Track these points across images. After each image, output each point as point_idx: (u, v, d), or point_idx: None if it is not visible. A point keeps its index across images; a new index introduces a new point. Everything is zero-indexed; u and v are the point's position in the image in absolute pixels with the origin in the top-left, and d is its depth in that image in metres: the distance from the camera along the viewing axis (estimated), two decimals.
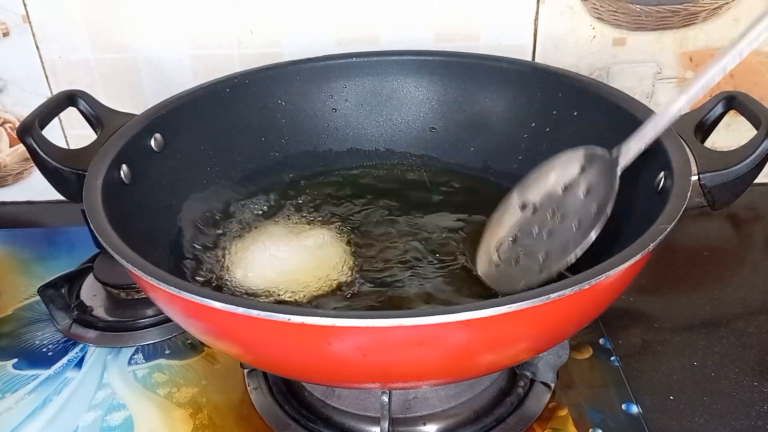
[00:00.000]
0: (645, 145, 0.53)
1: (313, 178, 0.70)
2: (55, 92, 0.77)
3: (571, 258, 0.53)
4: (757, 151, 0.49)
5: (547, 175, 0.58)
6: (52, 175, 0.55)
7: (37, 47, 0.76)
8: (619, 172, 0.54)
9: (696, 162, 0.50)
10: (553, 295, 0.38)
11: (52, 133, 0.67)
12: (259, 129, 0.68)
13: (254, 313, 0.38)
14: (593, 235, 0.52)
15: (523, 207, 0.59)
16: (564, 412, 0.54)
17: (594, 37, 0.74)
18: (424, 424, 0.53)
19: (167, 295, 0.41)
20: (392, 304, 0.54)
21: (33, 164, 0.56)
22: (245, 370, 0.58)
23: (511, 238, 0.58)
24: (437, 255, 0.59)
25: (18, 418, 0.56)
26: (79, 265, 0.70)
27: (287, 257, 0.59)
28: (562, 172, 0.58)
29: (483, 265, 0.58)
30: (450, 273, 0.57)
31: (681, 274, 0.68)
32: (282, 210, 0.65)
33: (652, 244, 0.42)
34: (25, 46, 0.76)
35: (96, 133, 0.59)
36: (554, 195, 0.58)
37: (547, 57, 0.75)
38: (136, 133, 0.57)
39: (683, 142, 0.52)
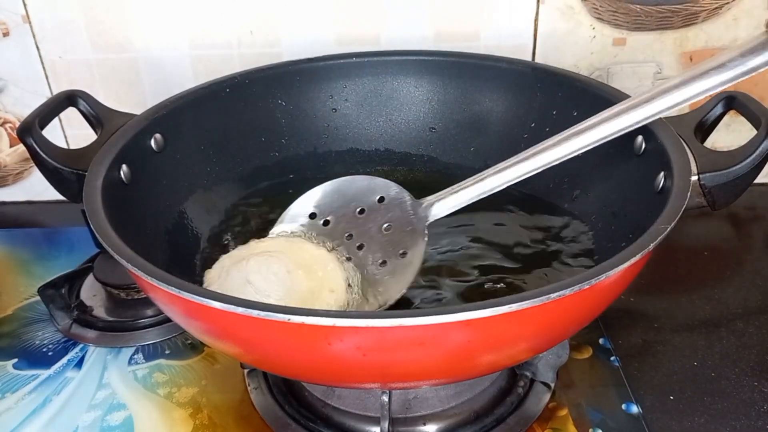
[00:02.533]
0: (459, 206, 0.55)
1: (314, 178, 0.69)
2: (55, 92, 0.77)
3: (380, 303, 0.54)
4: (757, 151, 0.49)
5: (339, 192, 0.59)
6: (52, 175, 0.55)
7: (37, 47, 0.76)
8: (426, 223, 0.56)
9: (696, 162, 0.50)
10: (553, 295, 0.38)
11: (52, 133, 0.68)
12: (259, 129, 0.68)
13: (254, 313, 0.38)
14: (403, 290, 0.54)
15: (313, 216, 0.59)
16: (564, 412, 0.54)
17: (594, 37, 0.74)
18: (424, 424, 0.53)
19: (167, 295, 0.41)
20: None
21: (33, 164, 0.56)
22: (245, 370, 0.58)
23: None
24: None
25: (18, 418, 0.56)
26: (79, 265, 0.70)
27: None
28: (356, 194, 0.58)
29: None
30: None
31: (681, 274, 0.68)
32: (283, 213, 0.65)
33: (652, 244, 0.42)
34: (25, 46, 0.76)
35: (96, 133, 0.59)
36: (347, 215, 0.58)
37: (547, 57, 0.75)
38: (136, 133, 0.57)
39: (683, 142, 0.52)
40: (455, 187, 0.55)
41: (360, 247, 0.57)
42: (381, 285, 0.55)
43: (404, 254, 0.56)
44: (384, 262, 0.56)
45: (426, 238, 0.55)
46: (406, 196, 0.57)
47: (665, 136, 0.52)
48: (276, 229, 0.59)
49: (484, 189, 0.54)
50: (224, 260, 0.55)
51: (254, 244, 0.56)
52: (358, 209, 0.58)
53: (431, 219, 0.56)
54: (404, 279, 0.55)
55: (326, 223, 0.58)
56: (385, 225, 0.57)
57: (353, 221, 0.58)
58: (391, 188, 0.58)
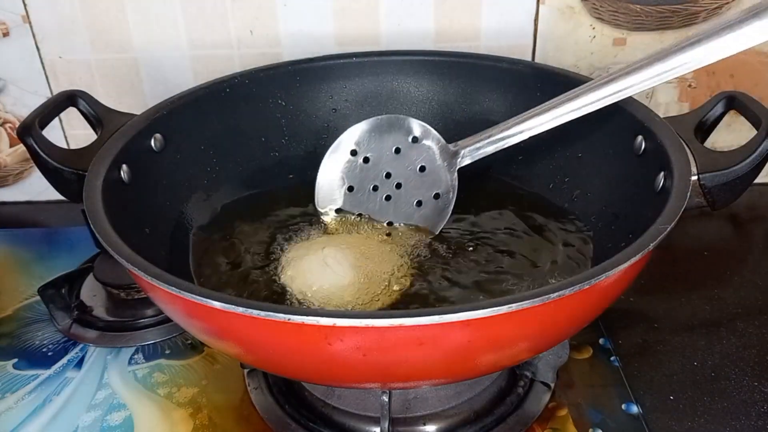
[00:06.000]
0: (486, 153, 0.60)
1: (313, 178, 0.70)
2: (55, 92, 0.77)
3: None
4: (757, 151, 0.49)
5: (378, 131, 0.63)
6: (52, 175, 0.55)
7: (37, 47, 0.76)
8: (457, 167, 0.61)
9: (696, 162, 0.50)
10: (553, 295, 0.38)
11: (52, 133, 0.68)
12: (259, 129, 0.68)
13: (254, 313, 0.38)
14: (437, 230, 0.61)
15: (354, 153, 0.63)
16: (564, 412, 0.54)
17: (594, 37, 0.74)
18: (424, 424, 0.53)
19: (167, 295, 0.41)
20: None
21: (33, 164, 0.56)
22: (245, 370, 0.58)
23: (347, 186, 0.63)
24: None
25: (18, 418, 0.56)
26: (79, 265, 0.70)
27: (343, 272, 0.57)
28: (393, 134, 0.63)
29: (326, 209, 0.64)
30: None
31: (681, 274, 0.68)
32: (288, 212, 0.65)
33: (652, 244, 0.42)
34: (25, 46, 0.76)
35: (96, 133, 0.59)
36: (385, 153, 0.63)
37: (547, 57, 0.75)
38: (136, 133, 0.57)
39: (683, 142, 0.52)
40: (483, 133, 0.60)
41: (398, 186, 0.63)
42: (417, 224, 0.62)
43: (437, 196, 0.62)
44: (420, 203, 0.62)
45: (455, 182, 0.61)
46: (439, 140, 0.62)
47: (665, 136, 0.52)
48: (326, 160, 0.63)
49: (509, 134, 0.58)
50: (297, 250, 0.60)
51: (324, 238, 0.62)
52: (395, 148, 0.63)
53: (460, 165, 0.61)
54: (437, 222, 0.61)
55: (366, 160, 0.63)
56: (419, 166, 0.62)
57: (391, 161, 0.63)
58: (422, 129, 0.62)
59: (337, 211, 0.63)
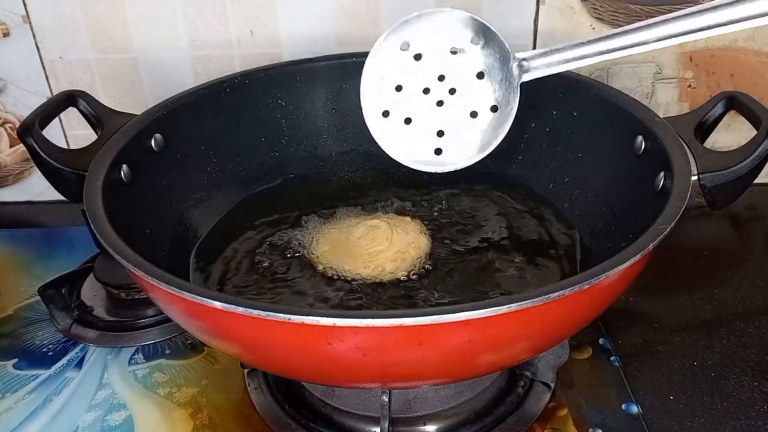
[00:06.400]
0: (559, 69, 0.54)
1: (314, 179, 0.70)
2: (55, 92, 0.77)
3: (467, 161, 0.58)
4: (757, 151, 0.49)
5: (432, 24, 0.56)
6: (52, 175, 0.55)
7: (37, 47, 0.76)
8: (520, 80, 0.55)
9: (696, 162, 0.50)
10: (553, 295, 0.38)
11: (52, 133, 0.68)
12: (259, 129, 0.68)
13: (254, 312, 0.38)
14: (491, 148, 0.57)
15: (406, 47, 0.57)
16: (564, 412, 0.54)
17: None
18: (424, 424, 0.53)
19: (167, 295, 0.41)
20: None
21: (33, 164, 0.56)
22: (245, 370, 0.58)
23: (394, 85, 0.57)
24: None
25: (18, 418, 0.56)
26: (79, 265, 0.70)
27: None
28: (451, 31, 0.56)
29: (371, 110, 0.58)
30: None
31: (681, 274, 0.68)
32: (287, 212, 0.65)
33: (651, 244, 0.42)
34: (25, 46, 0.76)
35: (96, 133, 0.59)
36: (441, 51, 0.56)
37: None
38: (136, 133, 0.57)
39: (683, 142, 0.52)
40: (556, 46, 0.54)
41: (452, 92, 0.57)
42: (469, 138, 0.57)
43: (495, 109, 0.57)
44: (474, 114, 0.57)
45: (516, 97, 0.55)
46: (503, 45, 0.55)
47: (665, 136, 0.52)
48: (375, 51, 0.58)
49: (589, 52, 0.52)
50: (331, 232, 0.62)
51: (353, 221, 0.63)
52: (451, 48, 0.56)
53: (524, 78, 0.55)
54: (490, 140, 0.57)
55: (418, 57, 0.57)
56: (477, 72, 0.56)
57: (446, 61, 0.56)
58: (484, 29, 0.56)
59: (384, 114, 0.58)
